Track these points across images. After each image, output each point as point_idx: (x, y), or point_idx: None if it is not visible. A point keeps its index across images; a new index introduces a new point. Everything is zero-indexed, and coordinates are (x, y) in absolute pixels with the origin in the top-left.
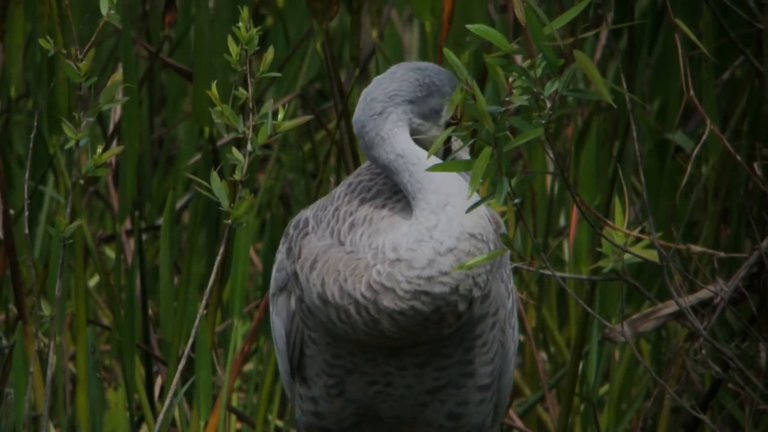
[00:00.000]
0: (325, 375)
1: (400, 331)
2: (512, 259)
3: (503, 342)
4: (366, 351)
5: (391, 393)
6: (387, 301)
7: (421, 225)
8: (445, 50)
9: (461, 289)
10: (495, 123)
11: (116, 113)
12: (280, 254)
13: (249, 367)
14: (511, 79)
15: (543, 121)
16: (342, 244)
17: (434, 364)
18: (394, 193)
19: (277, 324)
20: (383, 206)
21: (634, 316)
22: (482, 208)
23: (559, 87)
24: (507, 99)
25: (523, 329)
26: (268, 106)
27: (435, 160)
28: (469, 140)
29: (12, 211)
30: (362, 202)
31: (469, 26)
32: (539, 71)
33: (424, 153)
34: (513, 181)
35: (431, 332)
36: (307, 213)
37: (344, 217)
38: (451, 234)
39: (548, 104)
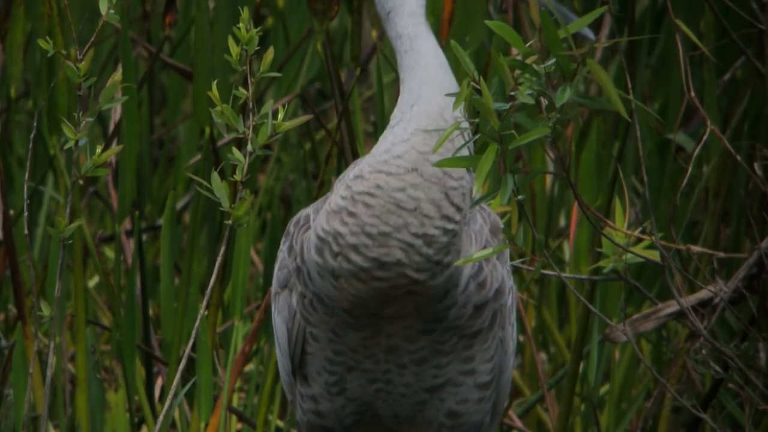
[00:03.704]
0: (326, 373)
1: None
2: (512, 257)
3: (503, 339)
4: (361, 327)
5: (391, 391)
6: (335, 204)
7: (389, 128)
8: (452, 43)
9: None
10: (500, 120)
11: (116, 113)
12: (282, 253)
13: (250, 367)
14: (517, 72)
15: (550, 124)
16: None
17: (433, 362)
18: None
19: (279, 322)
20: None
21: (635, 316)
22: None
23: (571, 94)
24: (512, 93)
25: (523, 329)
26: (268, 106)
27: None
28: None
29: (12, 211)
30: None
31: (487, 22)
32: (550, 68)
33: (418, 37)
34: (516, 178)
35: (395, 275)
36: (308, 210)
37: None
38: (407, 128)
39: (558, 108)
